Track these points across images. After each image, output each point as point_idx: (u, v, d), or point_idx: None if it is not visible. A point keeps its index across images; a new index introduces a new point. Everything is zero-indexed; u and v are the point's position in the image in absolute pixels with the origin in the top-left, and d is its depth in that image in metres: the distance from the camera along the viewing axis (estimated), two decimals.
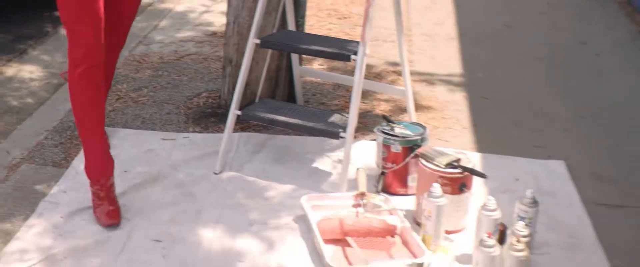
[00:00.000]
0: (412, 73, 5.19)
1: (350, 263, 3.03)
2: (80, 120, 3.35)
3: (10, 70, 5.44)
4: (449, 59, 5.64)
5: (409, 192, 3.57)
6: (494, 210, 3.06)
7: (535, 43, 6.09)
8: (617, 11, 7.06)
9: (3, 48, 5.84)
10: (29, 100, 4.95)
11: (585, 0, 7.36)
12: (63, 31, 6.27)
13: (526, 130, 4.48)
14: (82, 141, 3.40)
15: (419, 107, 4.60)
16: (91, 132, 3.36)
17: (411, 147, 3.50)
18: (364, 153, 3.94)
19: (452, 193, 3.23)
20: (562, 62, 5.68)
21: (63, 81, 5.15)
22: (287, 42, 3.88)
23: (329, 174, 3.79)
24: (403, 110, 4.38)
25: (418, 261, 2.97)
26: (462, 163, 3.29)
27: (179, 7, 6.81)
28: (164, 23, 6.37)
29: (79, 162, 3.82)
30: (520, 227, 2.92)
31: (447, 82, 5.14)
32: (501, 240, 3.06)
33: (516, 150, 4.18)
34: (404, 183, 3.58)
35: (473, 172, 3.26)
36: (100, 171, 3.40)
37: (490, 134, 4.39)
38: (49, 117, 4.49)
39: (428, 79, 5.17)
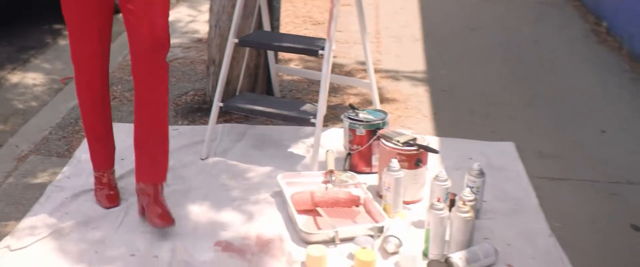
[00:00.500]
0: (380, 71, 5.48)
1: (319, 228, 3.32)
2: (84, 120, 3.54)
3: (15, 77, 5.66)
4: (413, 58, 5.90)
5: (374, 170, 3.82)
6: (445, 180, 3.35)
7: (494, 43, 6.35)
8: (571, 12, 7.36)
9: (8, 58, 6.05)
10: (33, 103, 5.17)
11: (542, 3, 7.64)
12: (62, 41, 6.50)
13: (481, 118, 4.74)
14: (87, 137, 3.60)
15: (384, 99, 4.88)
16: (94, 131, 3.54)
17: (374, 130, 3.78)
18: (334, 139, 4.21)
19: (409, 168, 3.51)
20: (518, 58, 5.95)
21: (63, 86, 5.39)
22: (262, 40, 4.16)
23: (302, 157, 4.05)
24: (370, 102, 4.62)
25: (378, 225, 3.27)
26: (418, 142, 3.59)
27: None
28: None
29: (80, 152, 4.07)
30: (467, 193, 3.21)
31: (411, 78, 5.41)
32: (451, 207, 3.35)
33: (471, 134, 4.44)
34: (368, 162, 3.86)
35: (427, 148, 3.56)
36: (103, 163, 3.62)
37: (448, 121, 4.66)
38: (52, 115, 4.70)
39: (394, 75, 5.43)
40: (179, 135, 4.35)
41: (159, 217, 3.25)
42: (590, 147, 4.40)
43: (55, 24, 6.93)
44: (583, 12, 7.29)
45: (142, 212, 3.39)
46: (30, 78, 5.67)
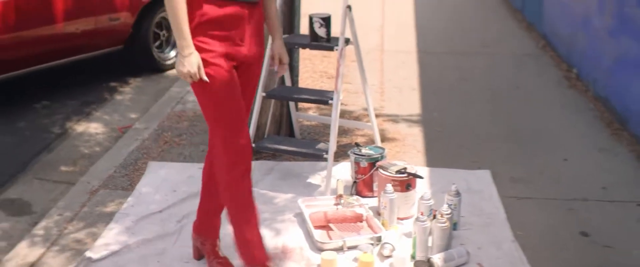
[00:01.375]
0: (383, 115, 6.01)
1: (331, 239, 3.90)
2: (235, 211, 3.42)
3: (80, 127, 6.14)
4: (412, 104, 6.37)
5: (375, 195, 4.37)
6: (428, 199, 3.92)
7: (481, 89, 6.82)
8: (547, 61, 7.78)
9: (74, 111, 6.53)
10: (97, 148, 5.65)
11: (524, 55, 8.10)
12: (118, 97, 7.09)
13: (466, 151, 5.26)
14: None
15: (386, 139, 5.41)
16: (246, 220, 3.45)
17: (374, 162, 4.38)
18: (343, 171, 4.76)
19: (401, 191, 4.10)
20: (501, 102, 6.42)
21: (121, 134, 5.87)
22: (284, 93, 4.74)
23: (318, 185, 4.60)
24: (373, 141, 5.10)
25: (377, 235, 3.86)
26: (408, 171, 4.19)
27: None
28: None
29: (141, 186, 4.62)
30: (445, 209, 3.80)
31: (408, 121, 5.91)
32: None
33: (456, 165, 4.95)
34: (370, 188, 4.42)
35: (415, 175, 4.15)
36: (261, 255, 3.49)
37: (438, 155, 5.17)
38: (115, 158, 5.18)
39: (394, 119, 5.94)
40: None
41: (220, 264, 3.57)
42: (554, 172, 4.93)
43: (111, 82, 7.51)
44: (557, 61, 7.73)
45: (198, 256, 3.72)
46: (92, 128, 6.14)
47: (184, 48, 3.07)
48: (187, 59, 3.07)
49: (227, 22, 3.18)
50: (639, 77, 5.53)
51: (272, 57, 3.59)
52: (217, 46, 3.18)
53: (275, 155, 5.04)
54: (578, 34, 7.31)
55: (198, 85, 3.18)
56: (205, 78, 3.13)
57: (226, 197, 3.40)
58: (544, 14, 8.79)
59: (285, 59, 3.57)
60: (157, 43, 7.78)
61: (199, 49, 3.13)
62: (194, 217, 3.81)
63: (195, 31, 3.13)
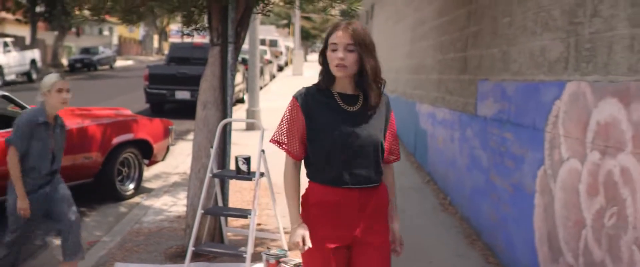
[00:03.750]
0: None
1: None
2: None
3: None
4: None
5: None
6: None
7: None
8: (429, 192, 9.14)
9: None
10: None
11: (410, 187, 9.40)
12: (87, 218, 7.90)
13: None
14: None
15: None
16: None
17: (278, 260, 5.62)
18: None
19: None
20: None
21: (89, 247, 6.83)
22: (217, 211, 6.03)
23: None
24: (281, 246, 6.37)
25: None
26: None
27: (157, 203, 8.36)
28: (149, 211, 7.89)
29: None
30: None
31: None
32: None
33: None
34: None
35: None
36: None
37: None
38: (89, 260, 6.07)
39: None
40: None
41: None
42: None
43: (80, 207, 8.54)
44: (436, 192, 9.06)
45: None
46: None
47: (291, 222, 3.25)
48: (293, 230, 3.21)
49: (331, 207, 3.24)
50: (486, 200, 6.94)
51: (392, 241, 3.58)
52: (319, 228, 3.25)
53: (210, 257, 6.21)
54: (449, 171, 8.75)
55: (303, 255, 3.37)
56: (309, 245, 3.20)
57: None
58: (428, 156, 10.27)
59: (402, 241, 3.60)
60: (120, 177, 9.00)
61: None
62: None
63: (303, 211, 3.30)
